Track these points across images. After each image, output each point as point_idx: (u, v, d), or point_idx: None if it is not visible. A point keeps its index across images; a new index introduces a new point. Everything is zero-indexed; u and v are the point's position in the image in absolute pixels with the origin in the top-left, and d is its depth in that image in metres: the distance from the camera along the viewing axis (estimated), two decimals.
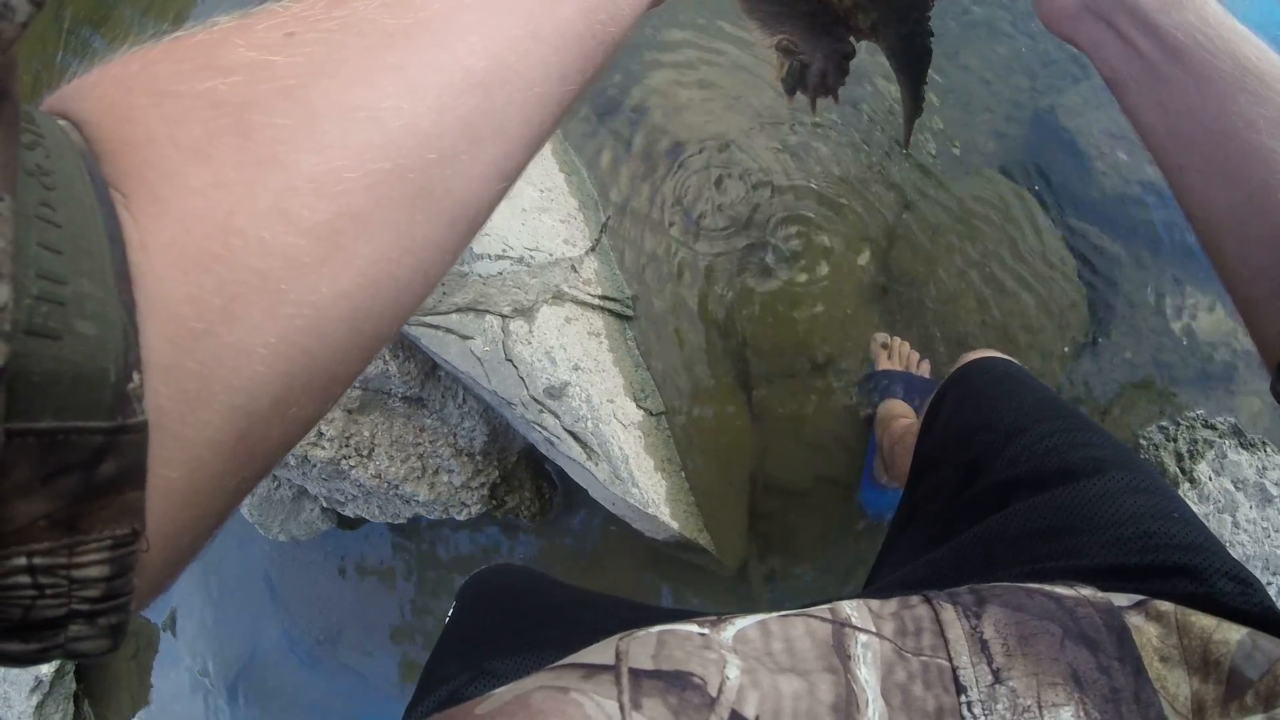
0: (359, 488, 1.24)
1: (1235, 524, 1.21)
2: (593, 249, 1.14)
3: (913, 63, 0.51)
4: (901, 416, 1.18)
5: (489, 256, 1.05)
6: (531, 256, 1.07)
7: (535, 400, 1.04)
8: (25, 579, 0.15)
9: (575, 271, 1.09)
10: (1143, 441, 1.31)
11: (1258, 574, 0.86)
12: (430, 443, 1.17)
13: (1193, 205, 0.36)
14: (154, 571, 0.18)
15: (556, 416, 1.05)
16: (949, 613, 0.37)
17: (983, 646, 0.35)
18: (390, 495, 1.24)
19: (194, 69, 0.18)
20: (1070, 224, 1.44)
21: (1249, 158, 0.33)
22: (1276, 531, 1.20)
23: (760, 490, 1.24)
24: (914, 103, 0.57)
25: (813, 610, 0.38)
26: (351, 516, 1.35)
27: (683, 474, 1.15)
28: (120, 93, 0.18)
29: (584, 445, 1.06)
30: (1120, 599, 0.38)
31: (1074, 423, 0.59)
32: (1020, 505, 0.53)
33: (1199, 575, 0.43)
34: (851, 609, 0.38)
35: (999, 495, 0.56)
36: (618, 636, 0.36)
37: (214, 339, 0.17)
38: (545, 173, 1.17)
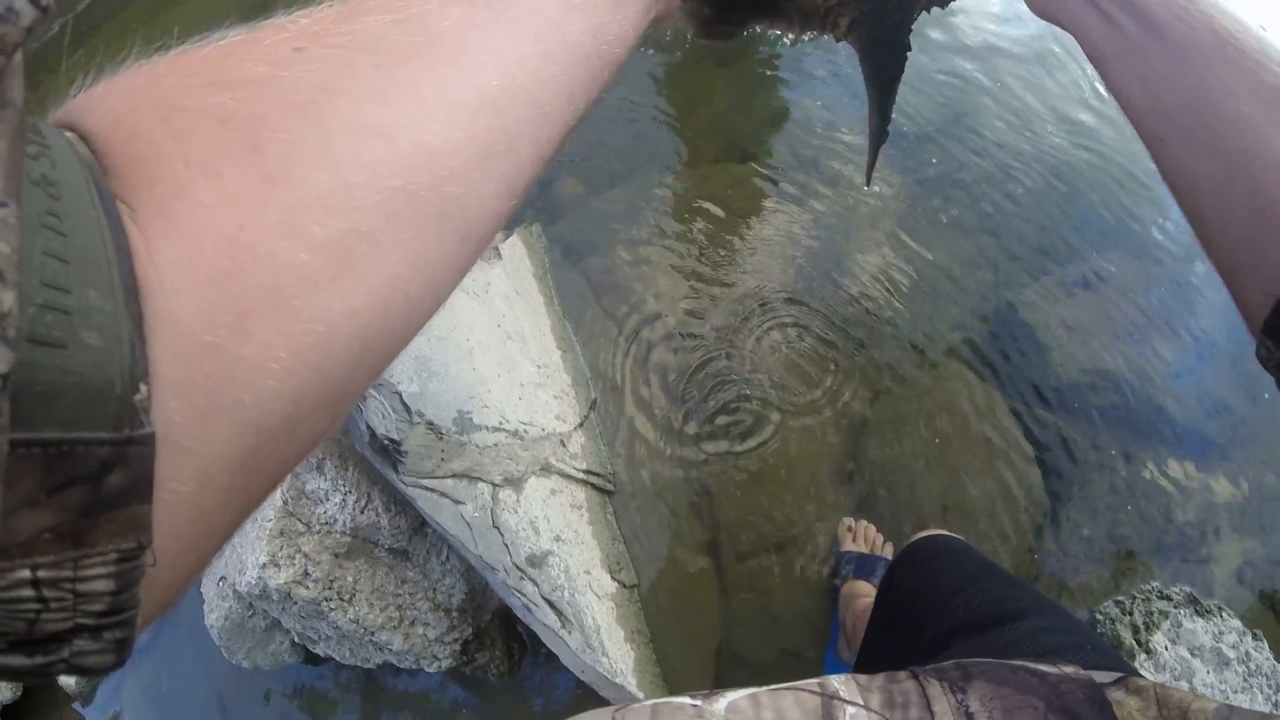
0: (335, 629, 1.26)
1: (1192, 689, 1.24)
2: (581, 425, 1.23)
3: (883, 67, 0.50)
4: (865, 596, 1.23)
5: (487, 428, 1.13)
6: (525, 430, 1.15)
7: (518, 568, 1.09)
8: (29, 592, 0.15)
9: (564, 446, 1.17)
10: (1099, 616, 1.35)
11: None
12: (410, 595, 1.20)
13: (1175, 177, 0.37)
14: (160, 587, 0.18)
15: (536, 584, 1.10)
16: (935, 687, 0.39)
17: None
18: (365, 640, 1.26)
19: (202, 83, 0.18)
20: (1028, 412, 1.55)
21: (1227, 125, 0.33)
22: (1235, 692, 1.22)
23: (726, 662, 1.27)
24: (881, 122, 0.54)
25: (801, 684, 0.40)
26: (321, 655, 1.36)
27: (651, 646, 1.19)
28: (127, 107, 0.18)
29: (559, 614, 1.11)
30: (1102, 676, 0.40)
31: (1003, 581, 0.68)
32: (958, 647, 0.59)
33: None
34: (839, 683, 0.40)
35: (941, 643, 0.63)
36: (614, 708, 0.37)
37: (224, 354, 0.17)
38: (544, 349, 1.27)
